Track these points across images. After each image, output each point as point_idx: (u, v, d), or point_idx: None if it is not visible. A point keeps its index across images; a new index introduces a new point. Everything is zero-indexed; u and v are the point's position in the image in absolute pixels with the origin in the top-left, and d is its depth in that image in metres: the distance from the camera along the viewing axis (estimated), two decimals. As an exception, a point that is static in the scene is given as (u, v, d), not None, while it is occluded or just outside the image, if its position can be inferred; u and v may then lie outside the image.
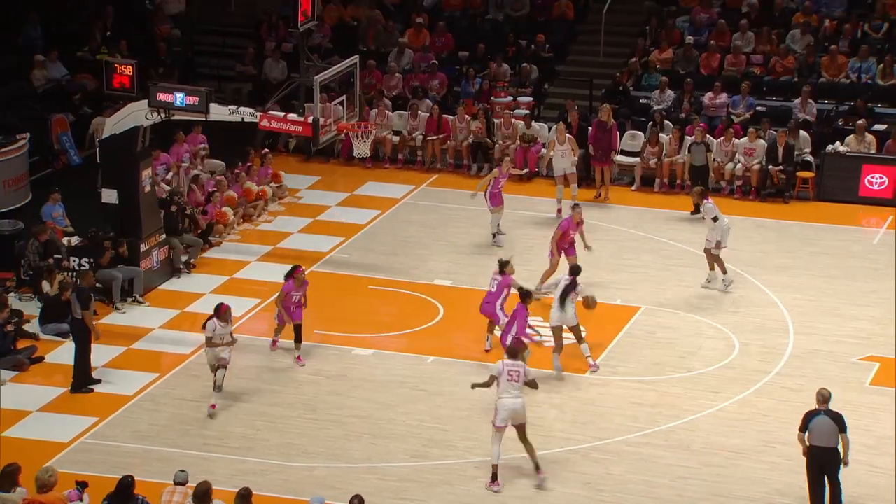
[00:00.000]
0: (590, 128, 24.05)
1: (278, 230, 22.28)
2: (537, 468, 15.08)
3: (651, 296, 19.91)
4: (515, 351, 14.95)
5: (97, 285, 18.42)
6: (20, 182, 22.67)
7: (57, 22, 26.44)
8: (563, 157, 22.44)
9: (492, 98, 25.74)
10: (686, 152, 23.74)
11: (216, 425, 16.25)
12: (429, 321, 19.07)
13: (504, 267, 17.81)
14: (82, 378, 17.02)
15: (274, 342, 18.03)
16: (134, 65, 19.26)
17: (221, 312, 16.42)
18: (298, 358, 17.70)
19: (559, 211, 22.49)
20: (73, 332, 17.19)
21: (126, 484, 13.40)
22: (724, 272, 19.92)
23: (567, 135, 22.71)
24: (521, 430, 14.88)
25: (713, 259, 19.94)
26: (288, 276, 17.69)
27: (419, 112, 25.32)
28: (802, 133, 24.18)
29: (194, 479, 13.61)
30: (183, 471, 13.74)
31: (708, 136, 23.85)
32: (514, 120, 24.89)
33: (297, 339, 17.73)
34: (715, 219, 19.73)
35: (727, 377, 17.68)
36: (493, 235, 21.44)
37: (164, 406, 16.69)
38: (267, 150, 24.03)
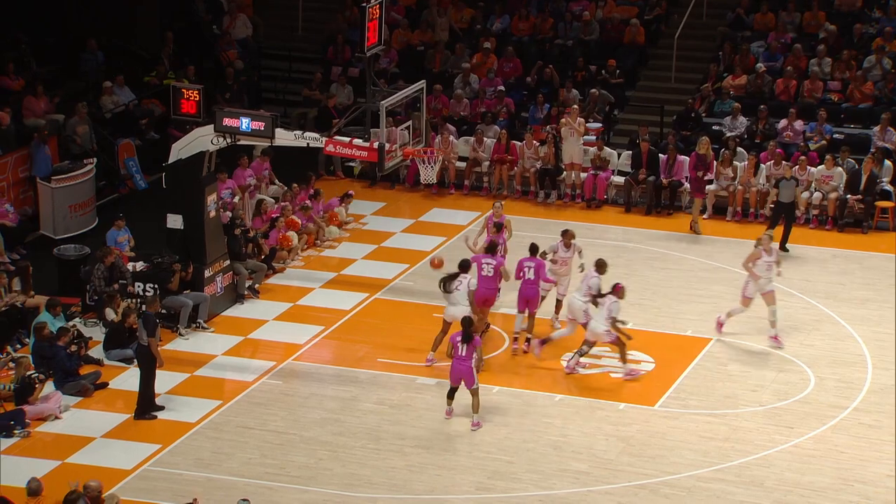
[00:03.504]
0: (663, 156, 23.75)
1: (342, 256, 22.08)
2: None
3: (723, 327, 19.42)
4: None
5: (162, 311, 18.33)
6: (87, 207, 22.73)
7: (121, 48, 26.52)
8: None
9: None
10: (768, 184, 23.17)
11: (278, 454, 16.03)
12: (494, 350, 18.74)
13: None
14: (146, 404, 16.92)
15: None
16: (201, 90, 19.22)
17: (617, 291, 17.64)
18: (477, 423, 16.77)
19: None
20: (139, 359, 17.12)
21: (186, 513, 13.26)
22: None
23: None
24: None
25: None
26: (469, 338, 16.49)
27: (485, 138, 25.05)
28: (885, 162, 23.60)
29: (255, 510, 13.46)
30: (245, 500, 13.62)
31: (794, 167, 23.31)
32: (579, 116, 24.37)
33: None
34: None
35: (802, 412, 17.20)
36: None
37: (227, 434, 16.51)
38: (318, 189, 23.05)
